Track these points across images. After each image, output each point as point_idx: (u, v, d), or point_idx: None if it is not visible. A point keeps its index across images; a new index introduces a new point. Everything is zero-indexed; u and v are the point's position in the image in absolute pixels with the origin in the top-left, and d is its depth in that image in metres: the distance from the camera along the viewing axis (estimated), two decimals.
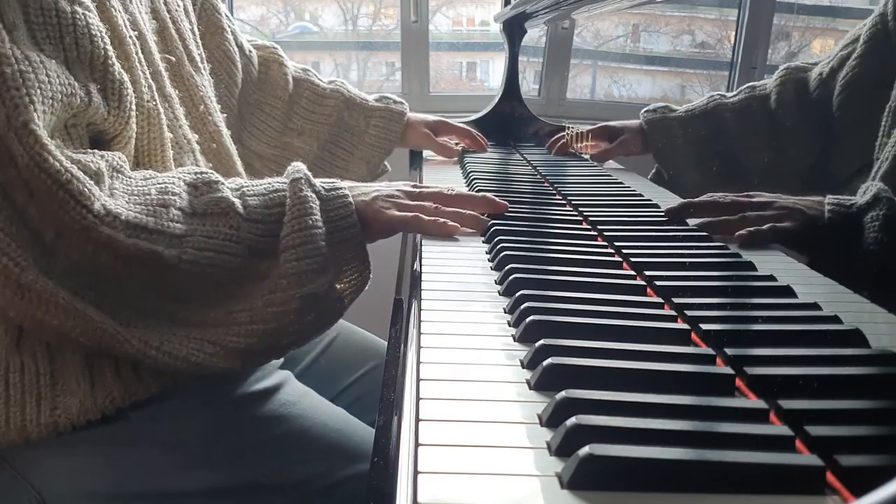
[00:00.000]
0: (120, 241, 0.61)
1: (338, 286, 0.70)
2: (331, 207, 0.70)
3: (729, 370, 0.46)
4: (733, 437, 0.38)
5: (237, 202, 0.68)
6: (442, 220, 0.76)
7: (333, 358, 0.98)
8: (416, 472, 0.35)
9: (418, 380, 0.45)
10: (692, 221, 0.79)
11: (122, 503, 0.69)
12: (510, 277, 0.61)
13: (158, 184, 0.67)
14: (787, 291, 0.58)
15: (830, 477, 0.36)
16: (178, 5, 0.90)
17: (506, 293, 0.60)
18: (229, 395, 0.75)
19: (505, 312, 0.57)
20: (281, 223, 0.68)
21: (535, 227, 0.80)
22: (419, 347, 0.49)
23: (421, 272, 0.65)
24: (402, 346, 0.53)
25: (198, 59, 0.89)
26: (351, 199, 0.72)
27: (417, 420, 0.40)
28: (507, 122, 1.55)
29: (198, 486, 0.70)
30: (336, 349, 1.00)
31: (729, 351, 0.47)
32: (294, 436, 0.74)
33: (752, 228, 0.68)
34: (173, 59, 0.83)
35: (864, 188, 0.54)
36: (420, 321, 0.54)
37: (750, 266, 0.64)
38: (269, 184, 0.71)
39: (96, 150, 0.66)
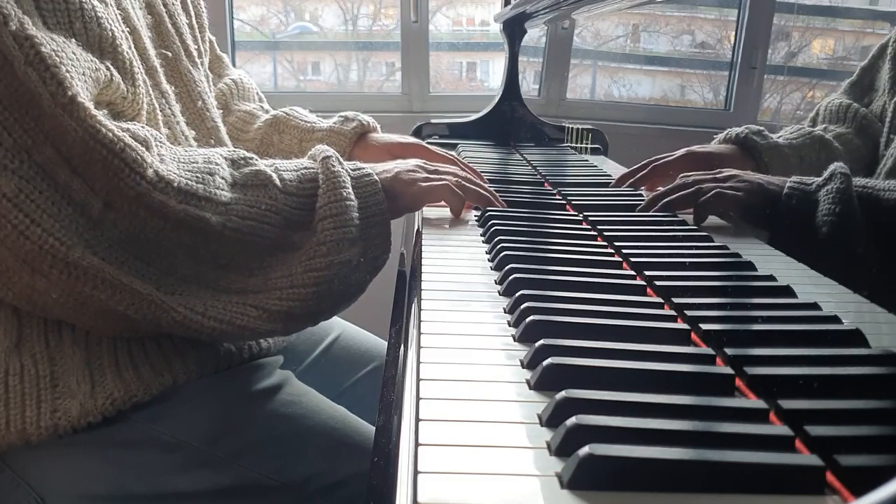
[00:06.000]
0: (171, 207, 0.63)
1: (361, 260, 0.73)
2: (360, 185, 0.74)
3: (729, 370, 0.46)
4: (733, 437, 0.38)
5: (274, 176, 0.71)
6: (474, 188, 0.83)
7: (335, 358, 0.98)
8: (416, 472, 0.35)
9: (418, 380, 0.45)
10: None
11: None
12: (510, 277, 0.61)
13: (202, 153, 0.69)
14: (787, 291, 0.58)
15: (830, 477, 0.36)
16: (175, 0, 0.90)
17: (506, 293, 0.60)
18: (230, 395, 0.75)
19: (505, 312, 0.57)
20: (314, 197, 0.72)
21: (535, 227, 0.80)
22: (419, 347, 0.50)
23: (421, 272, 0.65)
24: (402, 346, 0.53)
25: (195, 53, 0.89)
26: (376, 178, 0.76)
27: (417, 420, 0.40)
28: (507, 122, 1.55)
29: (199, 487, 0.70)
30: (337, 349, 0.99)
31: (729, 351, 0.47)
32: (295, 435, 0.74)
33: (711, 194, 0.71)
34: (170, 54, 0.83)
35: (830, 169, 0.55)
36: (420, 321, 0.54)
37: (750, 266, 0.64)
38: (298, 163, 0.75)
39: (135, 122, 0.67)
